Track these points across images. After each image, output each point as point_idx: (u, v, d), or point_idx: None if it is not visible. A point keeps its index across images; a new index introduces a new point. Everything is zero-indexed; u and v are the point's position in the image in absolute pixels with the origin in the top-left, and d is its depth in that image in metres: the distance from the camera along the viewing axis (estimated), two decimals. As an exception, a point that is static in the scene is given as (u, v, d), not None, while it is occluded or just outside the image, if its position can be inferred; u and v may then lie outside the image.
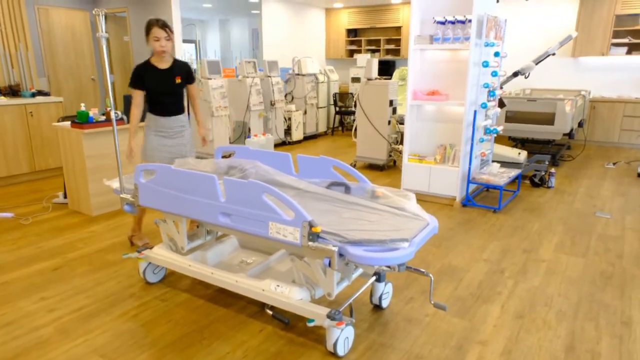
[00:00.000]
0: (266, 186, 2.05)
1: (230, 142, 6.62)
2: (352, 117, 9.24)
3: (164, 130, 3.11)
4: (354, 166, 6.03)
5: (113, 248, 3.34)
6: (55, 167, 5.33)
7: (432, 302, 2.17)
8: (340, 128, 9.23)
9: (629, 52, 7.18)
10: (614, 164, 6.13)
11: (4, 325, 2.37)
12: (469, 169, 4.29)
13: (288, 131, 7.65)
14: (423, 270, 2.24)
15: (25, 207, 4.26)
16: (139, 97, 3.02)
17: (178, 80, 3.12)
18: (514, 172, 4.49)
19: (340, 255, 1.92)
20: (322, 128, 8.57)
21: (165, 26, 2.95)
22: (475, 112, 4.11)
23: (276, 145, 7.41)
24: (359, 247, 1.88)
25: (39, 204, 4.33)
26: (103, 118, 3.90)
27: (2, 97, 4.94)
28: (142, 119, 3.19)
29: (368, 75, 5.75)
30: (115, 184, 2.78)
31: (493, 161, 5.07)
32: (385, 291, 2.52)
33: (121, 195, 2.67)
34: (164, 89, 3.06)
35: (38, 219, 3.94)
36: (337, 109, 8.72)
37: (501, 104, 4.89)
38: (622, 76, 7.42)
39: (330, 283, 2.09)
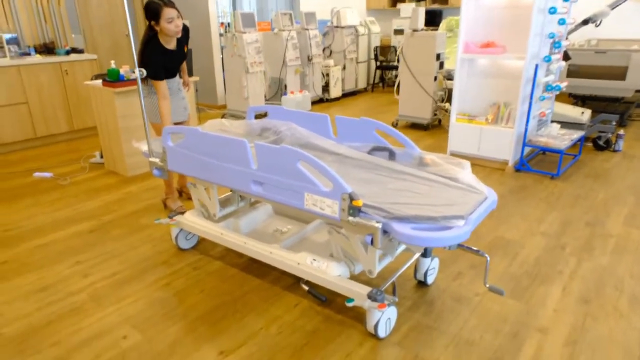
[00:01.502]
0: (301, 153, 1.83)
1: (265, 100, 6.40)
2: (394, 73, 8.74)
3: (169, 89, 3.05)
4: (396, 126, 5.69)
5: (147, 210, 3.28)
6: (93, 126, 5.32)
7: (487, 286, 1.94)
8: (380, 84, 8.77)
9: None
10: (691, 124, 5.46)
11: (40, 289, 2.35)
12: (526, 130, 3.88)
13: (326, 88, 7.31)
14: (477, 249, 2.00)
15: (64, 166, 4.27)
16: (165, 89, 2.86)
17: (185, 49, 3.04)
18: (576, 134, 4.04)
19: (384, 232, 1.70)
20: (361, 84, 8.15)
21: (172, 3, 2.73)
22: (536, 66, 3.65)
23: (313, 103, 7.12)
24: (406, 224, 1.64)
25: (76, 164, 4.33)
26: (134, 75, 3.74)
27: (38, 56, 4.88)
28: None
29: (413, 26, 5.27)
30: (144, 146, 2.65)
31: (552, 121, 4.59)
32: (432, 267, 2.30)
33: (150, 159, 2.53)
34: (177, 64, 3.02)
35: (76, 180, 3.93)
36: (378, 63, 8.24)
37: (566, 57, 4.35)
38: None
39: (372, 260, 1.88)
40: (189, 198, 3.46)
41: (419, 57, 5.28)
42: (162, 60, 2.83)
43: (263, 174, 1.98)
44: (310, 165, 1.82)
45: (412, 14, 5.28)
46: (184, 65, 3.22)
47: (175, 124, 3.17)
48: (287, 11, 6.47)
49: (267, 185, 1.99)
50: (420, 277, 2.30)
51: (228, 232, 2.39)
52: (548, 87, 3.87)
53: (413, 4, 8.46)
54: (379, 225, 1.68)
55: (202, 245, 2.77)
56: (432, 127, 5.59)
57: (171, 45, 2.88)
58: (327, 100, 7.35)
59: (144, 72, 2.37)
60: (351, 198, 1.72)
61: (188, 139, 2.25)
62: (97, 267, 2.55)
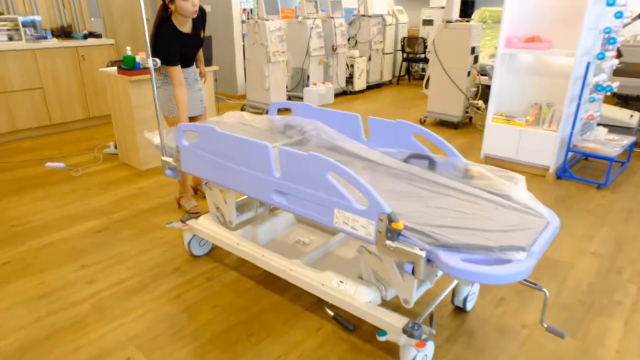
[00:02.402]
0: (332, 162, 1.58)
1: (287, 91, 6.14)
2: (421, 65, 8.37)
3: (186, 79, 2.82)
4: (423, 122, 5.38)
5: (160, 209, 3.08)
6: (109, 114, 5.15)
7: (545, 326, 1.67)
8: (407, 77, 8.42)
9: None
10: None
11: (42, 296, 2.17)
12: (571, 134, 3.55)
13: (350, 79, 7.01)
14: (534, 282, 1.73)
15: (77, 156, 4.11)
16: (180, 75, 2.62)
17: (202, 34, 2.78)
18: (626, 140, 3.68)
19: (428, 260, 1.45)
20: (386, 77, 7.82)
21: None
22: (588, 64, 3.30)
23: (336, 95, 6.84)
24: (456, 254, 1.38)
25: (90, 154, 4.16)
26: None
27: (54, 39, 4.72)
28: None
29: (447, 16, 4.93)
30: (156, 138, 2.42)
31: (598, 124, 4.23)
32: (472, 291, 2.04)
33: (162, 159, 2.31)
34: (194, 50, 2.77)
35: (88, 171, 3.76)
36: (405, 55, 7.89)
37: (619, 54, 3.97)
38: None
39: (409, 288, 1.63)
40: (205, 197, 3.25)
41: (452, 50, 4.95)
42: (177, 44, 2.59)
43: (286, 183, 1.74)
44: (342, 177, 1.57)
45: (446, 4, 4.93)
46: (201, 53, 2.98)
47: (191, 118, 2.95)
48: (312, -2, 6.17)
49: (290, 196, 1.75)
50: (458, 303, 2.04)
51: (245, 243, 2.17)
52: (598, 88, 3.52)
53: (443, -7, 8.04)
54: (423, 254, 1.42)
55: (217, 251, 2.56)
56: (463, 126, 5.26)
57: (186, 27, 2.64)
58: (351, 93, 7.06)
59: (158, 61, 2.14)
60: (390, 219, 1.47)
61: (204, 138, 2.02)
62: (103, 273, 2.36)
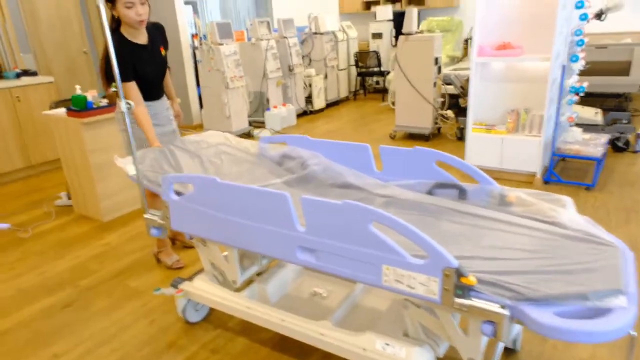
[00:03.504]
0: (376, 212, 1.33)
1: (248, 116, 5.83)
2: (374, 79, 8.35)
3: (156, 118, 2.44)
4: (394, 138, 5.27)
5: (135, 269, 2.67)
6: (54, 159, 4.59)
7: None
8: (362, 91, 8.36)
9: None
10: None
11: (6, 406, 1.73)
12: (554, 137, 3.53)
13: (309, 99, 6.81)
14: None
15: (24, 213, 3.56)
16: (136, 92, 2.25)
17: (163, 52, 2.41)
18: (603, 138, 3.73)
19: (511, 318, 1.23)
20: (343, 93, 7.71)
21: None
22: (564, 67, 3.31)
23: (297, 116, 6.61)
24: (547, 308, 1.17)
25: (39, 209, 3.63)
26: (105, 102, 3.13)
27: (-19, 81, 4.14)
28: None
29: (407, 29, 4.88)
30: (129, 166, 2.03)
31: (571, 125, 4.29)
32: (520, 328, 1.85)
33: (146, 216, 1.95)
34: (156, 70, 2.36)
35: (39, 230, 3.25)
36: (359, 70, 7.83)
37: (599, 15, 4.00)
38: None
39: (475, 346, 1.40)
40: (185, 247, 2.87)
41: (416, 62, 4.88)
42: (129, 56, 2.20)
43: (315, 238, 1.46)
44: (390, 227, 1.32)
45: (405, 17, 4.88)
46: (170, 84, 2.62)
47: None
48: (264, 19, 5.94)
49: (321, 253, 1.48)
50: (508, 343, 1.84)
51: (256, 306, 1.85)
52: (572, 89, 3.54)
53: (388, 6, 8.11)
54: (506, 312, 1.20)
55: (216, 313, 2.21)
56: (433, 137, 5.20)
57: (139, 39, 2.28)
58: (312, 112, 6.86)
59: (132, 104, 1.79)
60: (459, 274, 1.23)
61: (201, 190, 1.70)
62: (82, 362, 1.94)
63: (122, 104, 1.74)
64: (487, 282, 1.25)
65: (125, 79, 2.15)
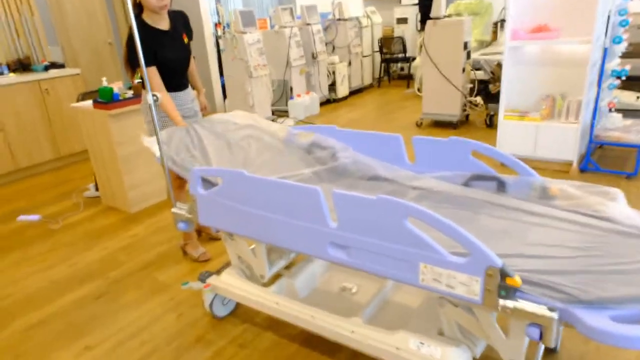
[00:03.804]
0: (412, 207, 1.25)
1: (271, 105, 5.78)
2: (399, 65, 8.16)
3: (182, 110, 2.40)
4: (420, 125, 5.13)
5: (163, 261, 2.68)
6: (82, 151, 4.66)
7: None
8: (386, 78, 8.20)
9: None
10: None
11: (40, 397, 1.75)
12: (592, 124, 3.36)
13: (332, 87, 6.71)
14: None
15: (54, 204, 3.63)
16: (157, 77, 2.21)
17: (186, 40, 2.36)
18: (645, 125, 3.52)
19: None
20: (367, 80, 7.57)
21: None
22: (605, 50, 3.12)
23: (320, 105, 6.52)
24: (601, 312, 1.08)
25: (68, 200, 3.69)
26: (131, 93, 3.13)
27: (12, 74, 4.21)
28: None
29: (436, 13, 4.71)
30: (157, 147, 1.96)
31: (609, 110, 4.07)
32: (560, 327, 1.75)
33: (173, 210, 1.93)
34: (178, 56, 2.31)
35: (69, 221, 3.30)
36: (382, 56, 7.66)
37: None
38: None
39: (517, 347, 1.32)
40: (212, 238, 2.87)
41: (444, 47, 4.72)
42: (151, 41, 2.14)
43: (347, 234, 1.40)
44: (428, 223, 1.25)
45: (434, 1, 4.70)
46: (195, 73, 2.57)
47: None
48: (287, 5, 5.85)
49: (353, 250, 1.42)
50: (549, 343, 1.75)
51: (285, 301, 1.81)
52: (613, 73, 3.35)
53: (414, -10, 7.87)
54: (554, 315, 1.12)
55: (243, 308, 2.18)
56: (461, 125, 5.04)
57: (161, 25, 2.23)
58: (335, 101, 6.76)
59: (159, 96, 1.76)
60: (503, 274, 1.16)
61: (229, 184, 1.66)
62: (115, 354, 1.95)
63: (149, 97, 1.71)
64: (534, 283, 1.16)
65: (145, 64, 2.10)
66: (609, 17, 3.25)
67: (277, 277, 2.02)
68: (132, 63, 2.23)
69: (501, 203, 1.60)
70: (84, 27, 5.41)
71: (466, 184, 1.76)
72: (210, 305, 2.09)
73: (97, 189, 3.67)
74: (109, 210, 3.45)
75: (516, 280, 1.15)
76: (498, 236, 1.41)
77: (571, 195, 1.57)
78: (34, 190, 3.99)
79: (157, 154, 1.95)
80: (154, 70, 2.19)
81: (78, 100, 3.54)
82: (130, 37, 2.12)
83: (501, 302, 1.18)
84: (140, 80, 2.41)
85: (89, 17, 5.45)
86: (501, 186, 1.70)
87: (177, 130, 2.08)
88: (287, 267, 2.16)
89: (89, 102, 3.23)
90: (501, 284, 1.17)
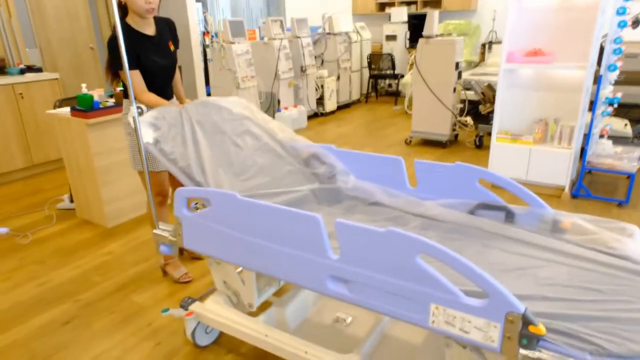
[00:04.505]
0: (424, 242, 1.14)
1: (258, 118, 5.64)
2: (386, 81, 8.16)
3: None
4: (409, 143, 5.07)
5: (140, 282, 2.49)
6: (57, 159, 4.43)
7: None
8: (374, 94, 8.17)
9: None
10: None
11: None
12: (585, 150, 3.34)
13: (320, 101, 6.63)
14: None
15: (23, 216, 3.39)
16: (139, 79, 2.06)
17: (172, 48, 2.23)
18: (636, 152, 3.52)
19: (584, 374, 1.04)
20: (355, 95, 7.52)
21: None
22: (600, 76, 3.11)
23: (308, 118, 6.43)
24: (634, 368, 0.98)
25: (40, 212, 3.46)
26: (112, 102, 2.96)
27: (-16, 76, 3.98)
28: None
29: (428, 32, 4.68)
30: (148, 131, 1.72)
31: (600, 137, 4.09)
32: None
33: (155, 232, 1.77)
34: (163, 64, 2.16)
35: (39, 235, 3.08)
36: (370, 72, 7.64)
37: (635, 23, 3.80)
38: None
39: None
40: (194, 258, 2.70)
41: (436, 66, 4.70)
42: (134, 45, 2.01)
43: (350, 267, 1.28)
44: (442, 261, 1.13)
45: (426, 20, 4.69)
46: (178, 79, 2.40)
47: (171, 176, 2.38)
48: (277, 18, 5.77)
49: (356, 285, 1.29)
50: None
51: (275, 334, 1.67)
52: (606, 100, 3.35)
53: (403, 8, 7.93)
54: (583, 369, 1.01)
55: (227, 335, 2.02)
56: (450, 144, 5.00)
57: (146, 29, 2.10)
58: (322, 115, 6.68)
59: (144, 108, 1.62)
60: (526, 321, 1.05)
61: (218, 207, 1.52)
62: (80, 390, 1.76)
63: (133, 109, 1.56)
64: (559, 331, 1.06)
65: (128, 67, 1.93)
66: (601, 44, 3.26)
67: (266, 304, 1.87)
68: (113, 67, 2.08)
69: (512, 236, 1.50)
70: (64, 30, 5.20)
71: (472, 212, 1.66)
72: (193, 333, 1.92)
73: (71, 201, 3.46)
74: (84, 224, 3.24)
75: (540, 328, 1.04)
76: (512, 274, 1.31)
77: (584, 230, 1.48)
78: (3, 200, 3.74)
79: (145, 138, 1.71)
80: (137, 73, 2.04)
81: (55, 107, 3.34)
82: (113, 39, 1.97)
83: (522, 351, 1.07)
84: (122, 89, 2.25)
85: (71, 19, 5.26)
86: (510, 217, 1.61)
87: (169, 110, 1.84)
88: (277, 294, 2.02)
89: (66, 109, 3.04)
90: (523, 332, 1.06)
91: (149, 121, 1.71)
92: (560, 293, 1.21)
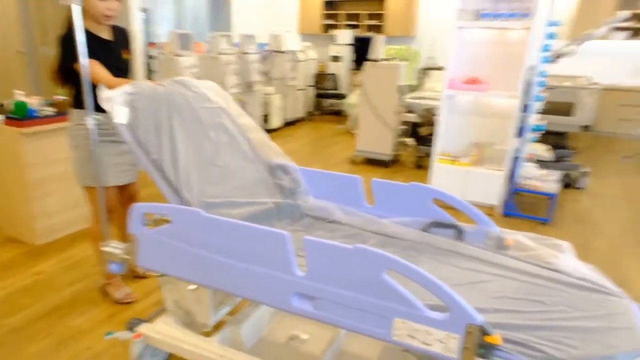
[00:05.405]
0: (391, 258, 1.19)
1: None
2: (329, 101, 8.35)
3: (112, 134, 2.02)
4: (354, 162, 5.21)
5: (76, 303, 2.32)
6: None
7: None
8: (318, 112, 8.32)
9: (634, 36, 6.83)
10: (629, 157, 5.78)
11: None
12: (514, 172, 3.63)
13: (266, 117, 6.63)
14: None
15: (-64, 232, 3.04)
16: (102, 67, 1.94)
17: (125, 56, 2.17)
18: (555, 175, 3.89)
19: (534, 380, 1.13)
20: (300, 113, 7.62)
21: None
22: (527, 105, 3.42)
23: (254, 134, 6.39)
24: (577, 372, 1.09)
25: (-44, 227, 3.12)
26: (51, 111, 2.77)
27: None
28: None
29: (375, 55, 4.90)
30: (122, 108, 1.55)
31: (527, 160, 4.46)
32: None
33: (105, 249, 1.67)
34: (117, 70, 2.06)
35: (-44, 253, 2.77)
36: (316, 91, 7.80)
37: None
38: (619, 62, 7.10)
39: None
40: (136, 276, 2.56)
41: (380, 89, 4.90)
42: (90, 46, 1.78)
43: (316, 284, 1.30)
44: (407, 277, 1.19)
45: (373, 44, 4.91)
46: None
47: (120, 188, 2.27)
48: (225, 33, 5.74)
49: (321, 302, 1.31)
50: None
51: (231, 354, 1.63)
52: (534, 127, 3.68)
53: (347, 31, 8.22)
54: (534, 375, 1.10)
55: (176, 357, 1.93)
56: (392, 164, 5.21)
57: (103, 34, 2.04)
58: (268, 131, 6.64)
59: (100, 119, 1.54)
60: (483, 332, 1.12)
61: (180, 224, 1.47)
62: None
63: (89, 119, 1.49)
64: (512, 341, 1.14)
65: (76, 59, 1.74)
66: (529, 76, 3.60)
67: (220, 324, 1.83)
68: (66, 61, 1.92)
69: (463, 252, 1.60)
70: (-9, 30, 4.81)
71: (426, 230, 1.75)
72: (139, 358, 1.82)
73: (-5, 215, 3.15)
74: (10, 242, 2.96)
75: (496, 338, 1.12)
76: (465, 287, 1.40)
77: (526, 246, 1.62)
78: None
79: (119, 118, 1.52)
80: (96, 62, 1.90)
81: (-19, 112, 3.05)
82: (67, 35, 1.86)
83: (480, 361, 1.14)
84: (71, 97, 2.11)
85: (-1, 19, 4.87)
86: (459, 234, 1.72)
87: (145, 87, 1.67)
88: (230, 313, 1.98)
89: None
90: (480, 342, 1.13)
91: (125, 98, 1.56)
92: (508, 305, 1.31)
